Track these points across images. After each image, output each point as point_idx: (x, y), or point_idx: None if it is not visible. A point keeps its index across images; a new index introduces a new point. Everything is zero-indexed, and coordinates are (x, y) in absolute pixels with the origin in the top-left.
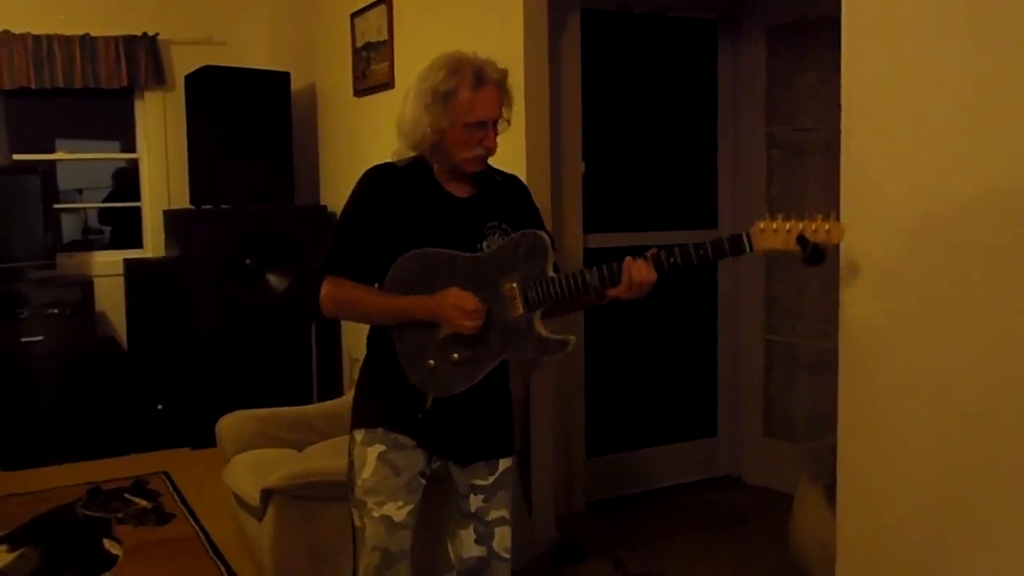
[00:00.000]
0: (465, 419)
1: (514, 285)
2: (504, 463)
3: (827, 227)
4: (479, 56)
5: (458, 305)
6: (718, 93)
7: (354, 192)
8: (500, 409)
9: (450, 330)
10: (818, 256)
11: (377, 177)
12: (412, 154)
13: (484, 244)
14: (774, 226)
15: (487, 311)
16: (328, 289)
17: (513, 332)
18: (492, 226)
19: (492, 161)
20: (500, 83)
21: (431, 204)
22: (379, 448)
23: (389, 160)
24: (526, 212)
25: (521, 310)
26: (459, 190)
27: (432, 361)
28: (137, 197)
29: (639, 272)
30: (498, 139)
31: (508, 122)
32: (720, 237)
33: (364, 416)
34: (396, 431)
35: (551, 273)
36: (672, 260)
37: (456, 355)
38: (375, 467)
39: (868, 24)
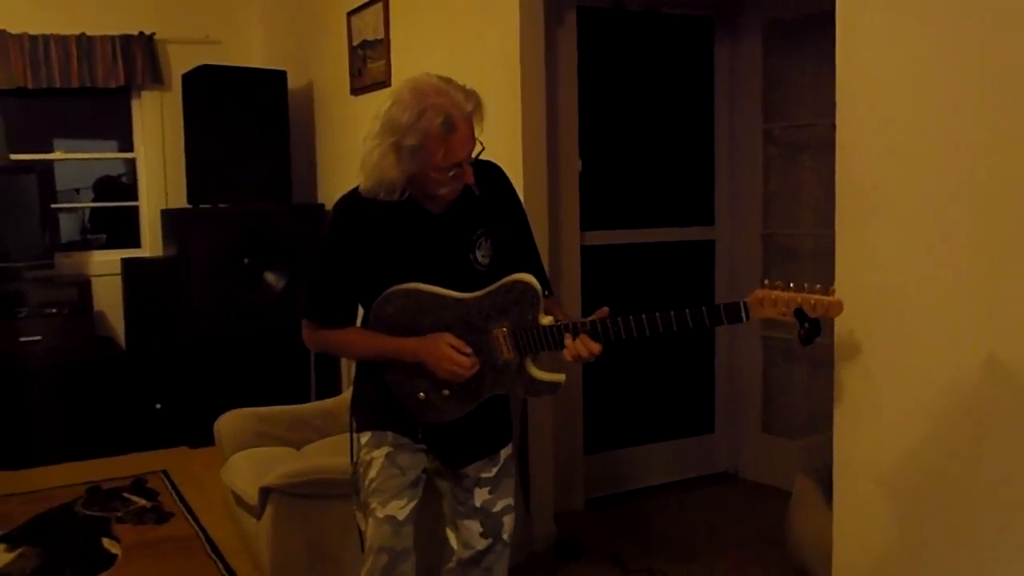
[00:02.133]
0: (467, 427)
1: (504, 330)
2: (505, 452)
3: (826, 303)
4: (447, 86)
5: (453, 359)
6: (714, 90)
7: (327, 229)
8: (500, 408)
9: (443, 377)
10: (814, 333)
11: (350, 210)
12: (380, 192)
13: (477, 254)
14: (773, 296)
15: (477, 350)
16: (309, 333)
17: (504, 372)
18: (480, 233)
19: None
20: (472, 116)
21: (412, 227)
22: (386, 450)
23: (358, 188)
24: (510, 208)
25: (512, 353)
26: (437, 206)
27: (423, 394)
28: (129, 198)
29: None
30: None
31: (482, 144)
32: (717, 305)
33: (369, 419)
34: (402, 434)
35: (543, 321)
36: (667, 323)
37: (447, 391)
38: (381, 467)
39: (863, 19)
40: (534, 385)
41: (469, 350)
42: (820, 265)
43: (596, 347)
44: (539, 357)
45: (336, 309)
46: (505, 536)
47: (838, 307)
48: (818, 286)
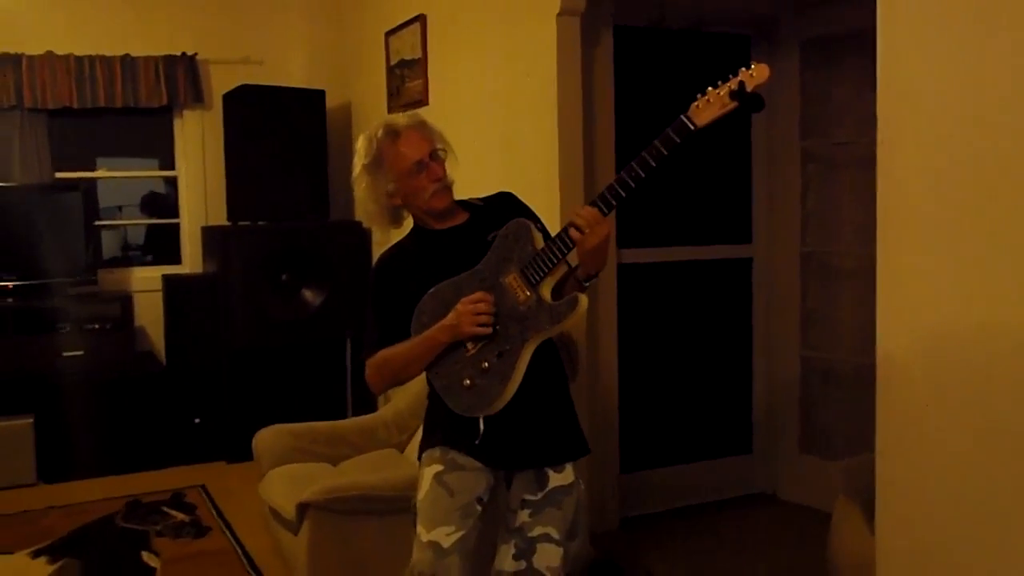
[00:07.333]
0: (521, 424)
1: (513, 275)
2: (556, 479)
3: (751, 73)
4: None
5: (468, 300)
6: None
7: (370, 287)
8: (555, 410)
9: (470, 333)
10: (755, 102)
11: (385, 265)
12: (396, 230)
13: None
14: (708, 98)
15: (496, 304)
16: (371, 371)
17: (527, 316)
18: (495, 235)
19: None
20: (417, 126)
21: (436, 251)
22: (436, 468)
23: (392, 244)
24: (521, 213)
25: (528, 292)
26: (444, 220)
27: (467, 380)
28: (171, 214)
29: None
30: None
31: (444, 151)
32: (665, 131)
33: (425, 439)
34: (456, 450)
35: (540, 246)
36: (633, 174)
37: (486, 363)
38: (429, 487)
39: (903, 36)
40: (556, 310)
41: (479, 293)
42: (861, 284)
43: (585, 210)
44: (555, 288)
45: (389, 337)
46: (541, 567)
47: (762, 69)
48: (742, 69)
